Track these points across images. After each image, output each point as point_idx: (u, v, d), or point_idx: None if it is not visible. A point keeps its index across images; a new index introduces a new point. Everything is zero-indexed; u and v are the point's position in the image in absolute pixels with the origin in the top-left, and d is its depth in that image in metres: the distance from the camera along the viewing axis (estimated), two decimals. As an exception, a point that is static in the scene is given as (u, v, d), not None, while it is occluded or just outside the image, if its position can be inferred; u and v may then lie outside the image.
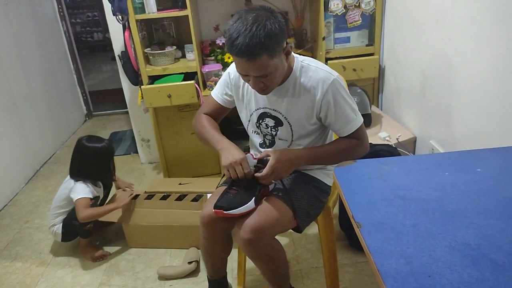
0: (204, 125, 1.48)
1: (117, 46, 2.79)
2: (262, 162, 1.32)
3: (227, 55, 2.55)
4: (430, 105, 2.10)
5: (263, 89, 1.28)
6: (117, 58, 2.78)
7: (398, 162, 1.11)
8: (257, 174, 1.29)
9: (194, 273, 1.92)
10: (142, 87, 2.41)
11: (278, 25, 1.16)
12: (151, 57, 2.50)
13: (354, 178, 1.01)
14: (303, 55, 1.40)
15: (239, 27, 1.13)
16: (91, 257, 2.08)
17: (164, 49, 2.49)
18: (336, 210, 2.03)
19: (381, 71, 2.66)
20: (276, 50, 1.17)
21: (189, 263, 1.92)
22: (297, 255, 1.99)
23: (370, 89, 2.69)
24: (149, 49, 2.51)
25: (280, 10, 2.65)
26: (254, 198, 1.29)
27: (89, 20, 7.96)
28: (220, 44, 2.58)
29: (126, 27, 2.42)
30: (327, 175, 1.51)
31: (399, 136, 2.26)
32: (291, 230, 1.44)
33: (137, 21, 2.36)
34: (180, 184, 2.34)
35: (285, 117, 1.37)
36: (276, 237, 1.38)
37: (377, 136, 2.30)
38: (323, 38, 2.51)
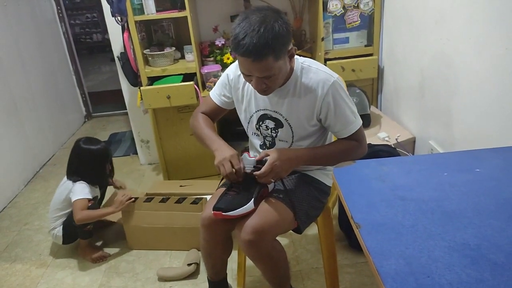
0: (201, 124, 1.48)
1: (116, 47, 2.79)
2: (261, 163, 1.32)
3: (226, 56, 2.55)
4: (429, 105, 2.10)
5: (264, 90, 1.28)
6: (116, 59, 2.78)
7: (397, 163, 1.11)
8: (256, 173, 1.28)
9: (194, 274, 1.92)
10: (141, 88, 2.41)
11: (286, 27, 1.16)
12: (150, 58, 2.50)
13: (353, 178, 1.01)
14: (302, 56, 1.40)
15: (246, 27, 1.13)
16: (90, 258, 2.08)
17: (163, 50, 2.49)
18: (335, 211, 2.04)
19: (380, 71, 2.66)
20: (282, 52, 1.17)
21: (189, 265, 1.92)
22: (297, 256, 1.99)
23: (369, 89, 2.69)
24: (148, 50, 2.51)
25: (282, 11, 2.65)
26: (253, 199, 1.29)
27: (88, 21, 7.95)
28: (219, 45, 2.58)
29: (125, 28, 2.42)
30: (326, 175, 1.51)
31: (398, 136, 2.26)
32: (291, 231, 1.44)
33: (136, 22, 2.36)
34: (180, 186, 2.34)
35: (285, 119, 1.37)
36: (276, 237, 1.38)
37: (376, 136, 2.30)
38: (322, 39, 2.51)
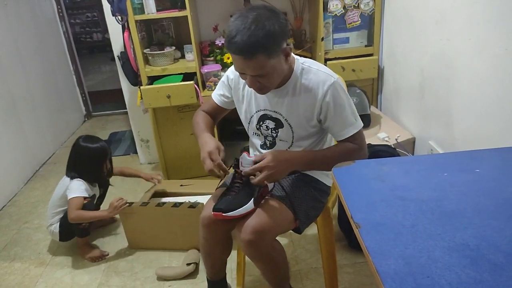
0: (197, 121, 1.52)
1: (117, 46, 2.79)
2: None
3: (227, 55, 2.55)
4: (429, 106, 2.10)
5: (260, 89, 1.28)
6: (116, 58, 2.78)
7: (397, 163, 1.11)
8: (245, 171, 1.28)
9: (193, 274, 1.92)
10: (141, 87, 2.41)
11: (278, 26, 1.15)
12: (150, 58, 2.50)
13: (353, 178, 1.01)
14: (302, 56, 1.40)
15: (238, 25, 1.13)
16: (89, 257, 2.08)
17: (163, 50, 2.48)
18: (335, 211, 2.03)
19: (380, 71, 2.66)
20: (274, 50, 1.17)
21: (188, 264, 1.92)
22: (296, 256, 1.99)
23: (369, 89, 2.69)
24: (148, 49, 2.51)
25: (279, 10, 2.65)
26: (253, 199, 1.29)
27: (88, 21, 7.95)
28: (219, 44, 2.58)
29: (125, 27, 2.42)
30: (326, 175, 1.50)
31: (398, 136, 2.26)
32: (290, 231, 1.44)
33: (136, 21, 2.36)
34: (181, 185, 2.34)
35: (285, 119, 1.37)
36: (276, 237, 1.38)
37: (376, 136, 2.30)
38: (322, 39, 2.51)
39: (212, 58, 2.60)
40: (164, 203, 2.06)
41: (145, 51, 2.49)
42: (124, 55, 2.56)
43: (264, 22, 1.13)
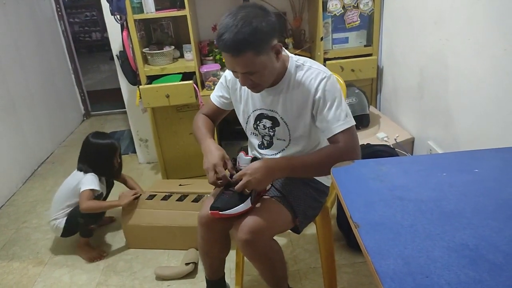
0: (198, 125, 1.51)
1: (115, 45, 2.79)
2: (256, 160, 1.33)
3: (226, 55, 2.54)
4: (428, 106, 2.10)
5: (253, 87, 1.28)
6: (115, 57, 2.77)
7: (396, 163, 1.11)
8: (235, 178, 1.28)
9: (191, 274, 1.92)
10: (140, 87, 2.40)
11: (266, 23, 1.16)
12: (149, 57, 2.50)
13: (352, 178, 1.00)
14: (301, 56, 1.40)
15: (227, 23, 1.15)
16: (88, 257, 2.08)
17: (162, 49, 2.48)
18: (334, 211, 2.03)
19: (379, 71, 2.66)
20: (262, 47, 1.18)
21: (187, 264, 1.92)
22: (295, 255, 1.99)
23: (368, 89, 2.69)
24: (147, 49, 2.50)
25: (279, 10, 2.65)
26: (250, 197, 1.28)
27: (87, 20, 7.93)
28: (219, 44, 2.57)
29: (124, 26, 2.41)
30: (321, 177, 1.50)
31: (397, 136, 2.26)
32: (289, 230, 1.44)
33: (135, 20, 2.35)
34: (180, 185, 2.33)
35: (281, 117, 1.38)
36: (274, 237, 1.38)
37: (375, 136, 2.30)
38: (321, 39, 2.51)
39: (211, 58, 2.60)
40: (169, 196, 2.11)
41: (144, 50, 2.49)
42: (123, 55, 2.56)
43: (251, 20, 1.14)
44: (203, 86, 2.51)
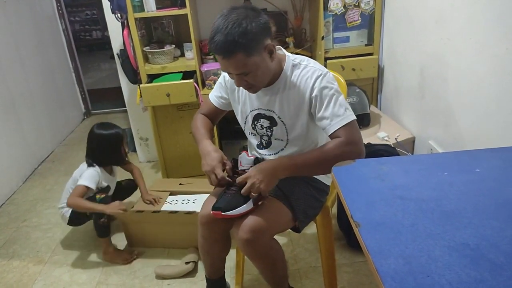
0: (197, 125, 1.51)
1: (116, 44, 2.78)
2: (258, 161, 1.33)
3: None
4: (429, 105, 2.10)
5: (248, 87, 1.29)
6: (115, 56, 2.77)
7: (396, 162, 1.11)
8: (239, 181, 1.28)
9: (191, 273, 1.92)
10: (140, 85, 2.40)
11: (256, 24, 1.16)
12: (150, 56, 2.50)
13: (352, 177, 1.00)
14: (302, 55, 1.40)
15: (218, 25, 1.16)
16: (121, 259, 2.03)
17: (163, 48, 2.48)
18: (334, 210, 2.03)
19: (380, 71, 2.66)
20: (253, 48, 1.18)
21: (187, 263, 1.92)
22: (295, 255, 1.99)
23: (369, 89, 2.68)
24: (148, 47, 2.50)
25: (280, 9, 2.65)
26: (252, 198, 1.28)
27: (88, 18, 7.94)
28: (219, 43, 2.57)
29: (125, 25, 2.41)
30: (325, 174, 1.50)
31: (397, 136, 2.26)
32: (289, 230, 1.43)
33: (136, 19, 2.35)
34: (180, 184, 2.33)
35: (278, 117, 1.37)
36: (275, 236, 1.38)
37: (376, 136, 2.30)
38: (322, 38, 2.50)
39: (212, 57, 2.60)
40: (159, 211, 2.05)
41: (144, 49, 2.49)
42: (123, 53, 2.56)
43: (241, 21, 1.15)
44: (203, 85, 2.51)
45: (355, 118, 1.28)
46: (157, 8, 2.39)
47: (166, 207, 2.11)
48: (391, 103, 2.60)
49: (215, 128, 2.34)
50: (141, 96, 2.42)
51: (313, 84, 1.28)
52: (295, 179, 1.44)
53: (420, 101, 2.18)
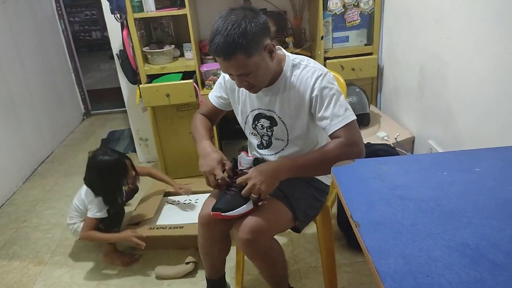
0: (196, 125, 1.51)
1: (115, 44, 2.78)
2: (258, 162, 1.33)
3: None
4: (428, 105, 2.10)
5: (249, 88, 1.29)
6: (115, 57, 2.77)
7: (396, 162, 1.10)
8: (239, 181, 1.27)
9: (192, 273, 1.92)
10: (140, 86, 2.40)
11: (255, 24, 1.16)
12: (149, 56, 2.50)
13: (352, 177, 1.00)
14: (302, 55, 1.40)
15: (217, 27, 1.16)
16: (121, 262, 2.01)
17: (163, 48, 2.48)
18: (334, 210, 2.03)
19: (379, 70, 2.66)
20: (253, 48, 1.18)
21: (187, 263, 1.91)
22: (295, 255, 1.99)
23: (368, 88, 2.68)
24: (147, 48, 2.50)
25: (279, 9, 2.65)
26: (252, 199, 1.28)
27: (87, 19, 7.93)
28: (219, 43, 2.57)
29: (124, 25, 2.41)
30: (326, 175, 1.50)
31: (397, 135, 2.26)
32: (289, 230, 1.43)
33: (135, 19, 2.35)
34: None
35: (279, 116, 1.37)
36: (275, 236, 1.38)
37: (376, 135, 2.29)
38: (322, 38, 2.50)
39: (211, 57, 2.60)
40: (169, 235, 2.03)
41: (144, 49, 2.49)
42: (123, 54, 2.56)
43: (240, 22, 1.15)
44: (203, 85, 2.51)
45: (355, 118, 1.29)
46: (157, 8, 2.39)
47: (168, 219, 2.08)
48: (391, 102, 2.59)
49: (214, 128, 2.34)
50: (140, 97, 2.42)
51: (314, 84, 1.28)
52: (295, 179, 1.43)
53: (420, 101, 2.18)
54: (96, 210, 1.91)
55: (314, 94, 1.28)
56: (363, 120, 2.39)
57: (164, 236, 2.01)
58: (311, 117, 1.35)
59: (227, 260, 1.58)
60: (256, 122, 1.43)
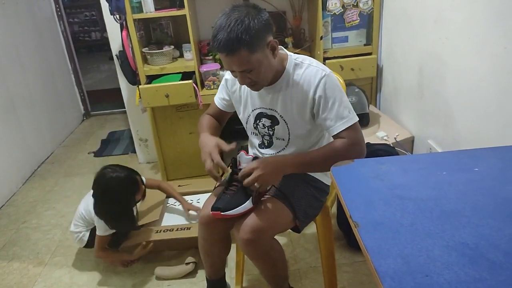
0: (202, 124, 1.53)
1: (115, 45, 2.78)
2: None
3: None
4: (428, 105, 2.10)
5: (251, 85, 1.29)
6: (114, 57, 2.77)
7: (395, 162, 1.11)
8: (241, 174, 1.28)
9: (192, 273, 1.92)
10: (139, 86, 2.40)
11: (258, 21, 1.17)
12: (148, 57, 2.50)
13: (352, 177, 1.00)
14: (301, 55, 1.40)
15: (220, 23, 1.17)
16: (120, 262, 1.97)
17: (162, 49, 2.48)
18: (334, 210, 2.03)
19: (379, 70, 2.66)
20: (256, 45, 1.18)
21: (187, 263, 1.91)
22: (295, 255, 1.99)
23: (368, 88, 2.68)
24: (146, 48, 2.50)
25: (278, 9, 2.65)
26: (251, 198, 1.28)
27: (86, 20, 7.93)
28: (218, 43, 2.57)
29: (123, 26, 2.41)
30: (325, 174, 1.50)
31: (397, 135, 2.26)
32: (289, 230, 1.43)
33: (134, 20, 2.35)
34: (179, 186, 2.33)
35: (280, 115, 1.38)
36: (275, 236, 1.38)
37: (375, 135, 2.30)
38: (321, 38, 2.50)
39: (210, 57, 2.60)
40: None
41: (143, 50, 2.49)
42: (122, 54, 2.56)
43: (243, 18, 1.15)
44: (202, 86, 2.51)
45: (358, 119, 1.31)
46: (156, 9, 2.39)
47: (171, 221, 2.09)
48: (390, 102, 2.60)
49: (220, 128, 2.34)
50: (140, 97, 2.42)
51: (317, 84, 1.28)
52: (295, 179, 1.44)
53: (419, 101, 2.18)
54: (103, 230, 1.87)
55: (317, 95, 1.29)
56: (363, 120, 2.39)
57: (172, 239, 1.99)
58: (312, 117, 1.35)
59: (227, 260, 1.58)
60: (258, 121, 1.43)
